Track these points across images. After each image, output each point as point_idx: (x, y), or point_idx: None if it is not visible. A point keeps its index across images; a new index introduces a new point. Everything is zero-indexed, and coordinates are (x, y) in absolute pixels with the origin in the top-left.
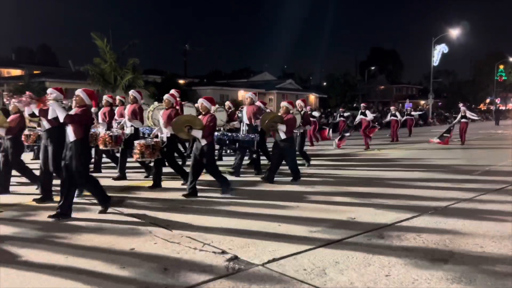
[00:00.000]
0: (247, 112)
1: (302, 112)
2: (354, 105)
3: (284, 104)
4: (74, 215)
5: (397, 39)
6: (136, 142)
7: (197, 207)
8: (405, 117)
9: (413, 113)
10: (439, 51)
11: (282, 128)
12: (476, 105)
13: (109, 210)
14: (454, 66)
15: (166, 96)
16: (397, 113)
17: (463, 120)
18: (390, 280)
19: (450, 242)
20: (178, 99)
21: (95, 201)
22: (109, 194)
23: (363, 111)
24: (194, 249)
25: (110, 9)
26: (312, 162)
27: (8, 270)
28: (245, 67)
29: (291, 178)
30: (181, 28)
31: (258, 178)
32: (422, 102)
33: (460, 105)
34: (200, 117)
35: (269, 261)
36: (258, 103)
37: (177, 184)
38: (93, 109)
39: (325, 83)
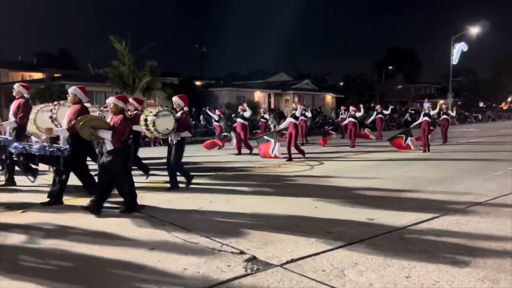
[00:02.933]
0: (68, 115)
1: (179, 113)
2: (372, 105)
3: (111, 100)
4: (93, 216)
5: (415, 38)
6: None
7: (215, 208)
8: (374, 117)
9: (384, 111)
10: (458, 50)
11: (105, 135)
12: (497, 104)
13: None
14: (474, 65)
15: None
16: (356, 114)
17: (444, 117)
18: (410, 282)
19: (472, 243)
20: None
21: (109, 204)
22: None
23: (293, 112)
24: (212, 249)
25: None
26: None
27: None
28: (261, 68)
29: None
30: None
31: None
32: (441, 101)
33: (440, 103)
34: None
35: (287, 262)
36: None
37: (194, 187)
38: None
39: (342, 83)
